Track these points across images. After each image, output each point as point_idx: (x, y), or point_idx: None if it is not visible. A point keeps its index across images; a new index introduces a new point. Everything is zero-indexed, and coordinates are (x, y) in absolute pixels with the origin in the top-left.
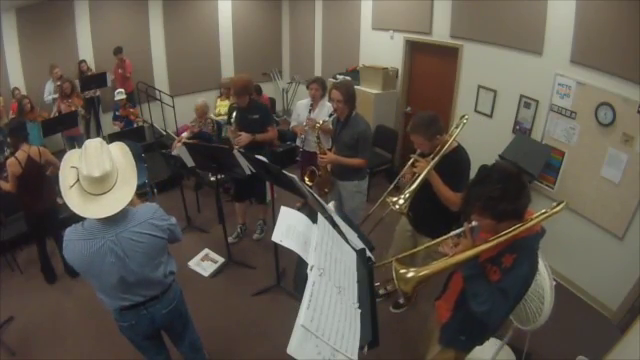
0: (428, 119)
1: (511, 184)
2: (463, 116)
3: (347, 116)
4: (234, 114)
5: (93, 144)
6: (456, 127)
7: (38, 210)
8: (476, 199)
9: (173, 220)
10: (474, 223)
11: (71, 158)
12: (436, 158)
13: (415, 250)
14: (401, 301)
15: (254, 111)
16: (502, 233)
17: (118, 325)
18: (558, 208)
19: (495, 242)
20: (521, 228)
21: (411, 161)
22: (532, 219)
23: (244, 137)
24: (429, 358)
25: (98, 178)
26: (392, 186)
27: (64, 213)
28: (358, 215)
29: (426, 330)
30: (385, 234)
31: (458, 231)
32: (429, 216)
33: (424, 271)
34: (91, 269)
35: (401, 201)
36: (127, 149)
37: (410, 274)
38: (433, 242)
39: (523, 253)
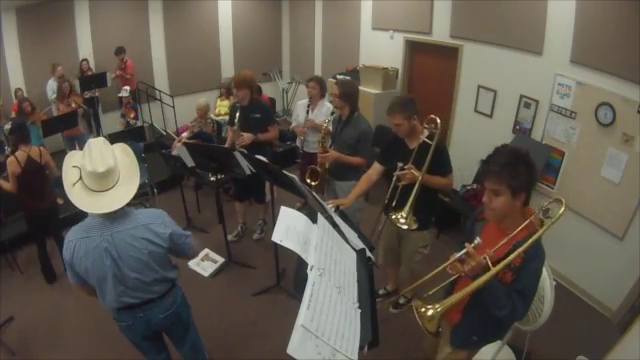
0: (404, 99)
1: (522, 156)
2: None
3: (349, 115)
4: (237, 114)
5: (96, 142)
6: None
7: (39, 210)
8: (494, 165)
9: (184, 232)
10: (477, 241)
11: (73, 158)
12: (425, 165)
13: (425, 278)
14: (401, 301)
15: (256, 110)
16: (510, 237)
17: (117, 324)
18: (561, 211)
19: (511, 258)
20: (534, 237)
21: (395, 178)
22: (537, 222)
23: (246, 137)
24: (441, 358)
25: (103, 173)
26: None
27: (64, 213)
28: (354, 215)
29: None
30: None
31: (462, 252)
32: (417, 212)
33: (443, 306)
34: (89, 269)
35: (402, 220)
36: (129, 149)
37: (430, 312)
38: (441, 267)
39: (530, 249)
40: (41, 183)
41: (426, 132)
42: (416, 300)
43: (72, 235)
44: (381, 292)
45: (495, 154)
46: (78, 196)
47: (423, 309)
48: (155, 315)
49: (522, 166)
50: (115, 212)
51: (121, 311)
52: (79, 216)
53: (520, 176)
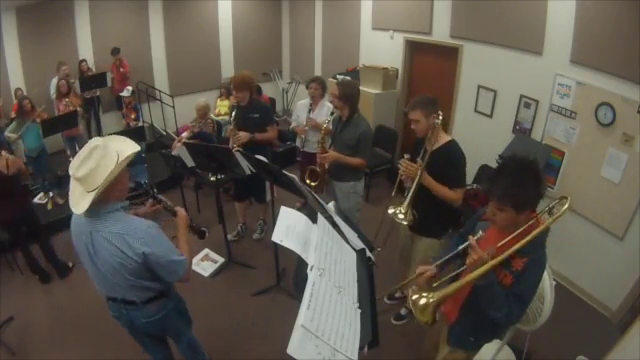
0: (427, 98)
1: (530, 172)
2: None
3: (349, 116)
4: (234, 112)
5: (89, 145)
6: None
7: (7, 219)
8: (497, 188)
9: (173, 259)
10: (480, 234)
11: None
12: (425, 158)
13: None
14: (403, 312)
15: (254, 110)
16: (514, 235)
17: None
18: (565, 207)
19: (510, 252)
20: (534, 233)
21: (401, 170)
22: (543, 222)
23: (242, 136)
24: (440, 358)
25: (74, 178)
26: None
27: (50, 219)
28: (354, 216)
29: (432, 329)
30: (390, 232)
31: (464, 245)
32: (428, 218)
33: (438, 296)
34: (81, 258)
35: (401, 216)
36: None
37: (423, 300)
38: (441, 260)
39: (533, 255)
40: (9, 193)
41: (447, 138)
42: (412, 288)
43: (72, 221)
44: (397, 295)
45: (499, 174)
46: (74, 190)
47: (416, 297)
48: (137, 318)
49: (529, 184)
50: (92, 212)
51: (109, 301)
52: (60, 224)
53: (525, 194)
